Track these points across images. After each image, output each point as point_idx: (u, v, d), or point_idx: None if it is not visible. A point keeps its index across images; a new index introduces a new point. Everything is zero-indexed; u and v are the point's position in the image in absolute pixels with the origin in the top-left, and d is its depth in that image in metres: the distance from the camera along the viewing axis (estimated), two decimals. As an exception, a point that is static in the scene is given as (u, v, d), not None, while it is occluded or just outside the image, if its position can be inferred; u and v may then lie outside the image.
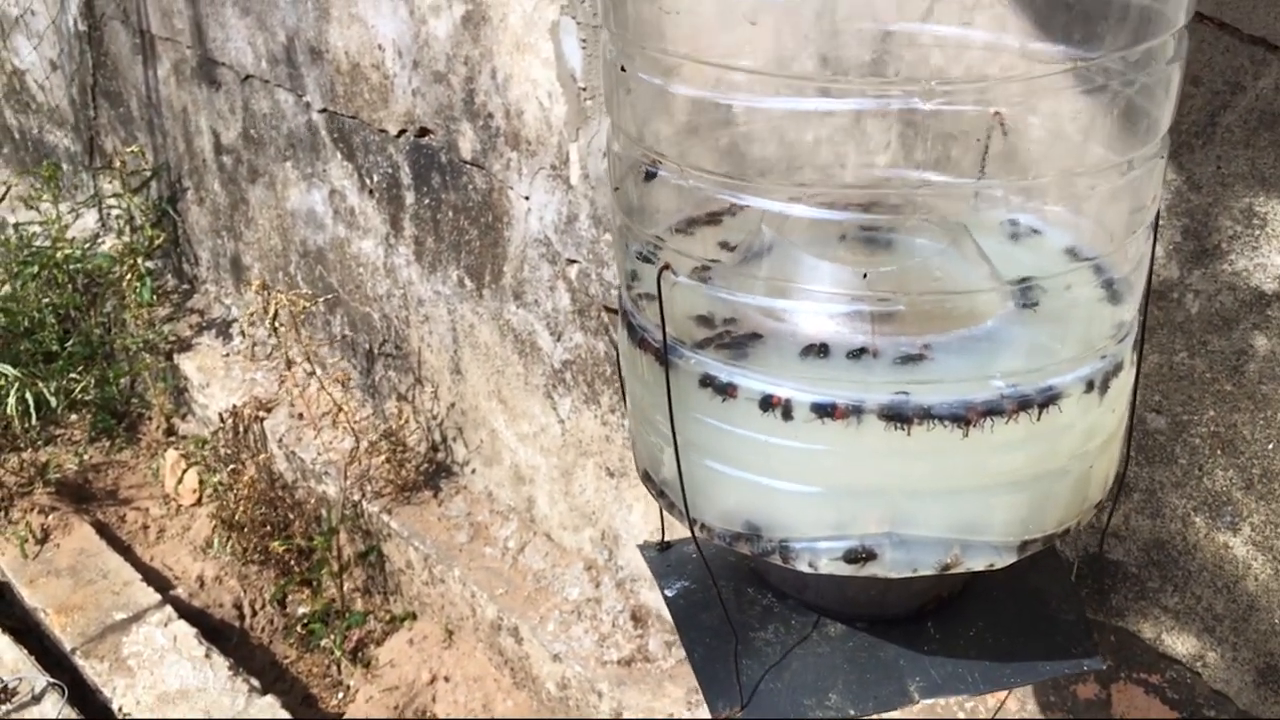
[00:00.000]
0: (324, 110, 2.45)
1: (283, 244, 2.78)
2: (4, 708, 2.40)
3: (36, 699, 2.40)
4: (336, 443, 2.58)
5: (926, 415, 0.71)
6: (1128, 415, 0.86)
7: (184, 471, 2.80)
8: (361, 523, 2.50)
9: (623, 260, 0.89)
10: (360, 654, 2.45)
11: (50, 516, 2.78)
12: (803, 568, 0.77)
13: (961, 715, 1.66)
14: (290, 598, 2.61)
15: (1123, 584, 1.41)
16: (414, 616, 2.45)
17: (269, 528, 2.57)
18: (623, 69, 0.84)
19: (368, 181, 2.41)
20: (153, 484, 2.99)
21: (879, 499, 0.75)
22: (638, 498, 2.06)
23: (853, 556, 0.76)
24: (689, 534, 0.85)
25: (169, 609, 2.49)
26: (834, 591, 0.86)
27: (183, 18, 2.79)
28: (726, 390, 0.76)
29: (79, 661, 2.41)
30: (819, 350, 0.76)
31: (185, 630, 2.42)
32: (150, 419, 3.11)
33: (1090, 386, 0.75)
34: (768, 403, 0.74)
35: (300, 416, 2.71)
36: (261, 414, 2.72)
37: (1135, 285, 0.81)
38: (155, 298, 3.04)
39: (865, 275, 0.74)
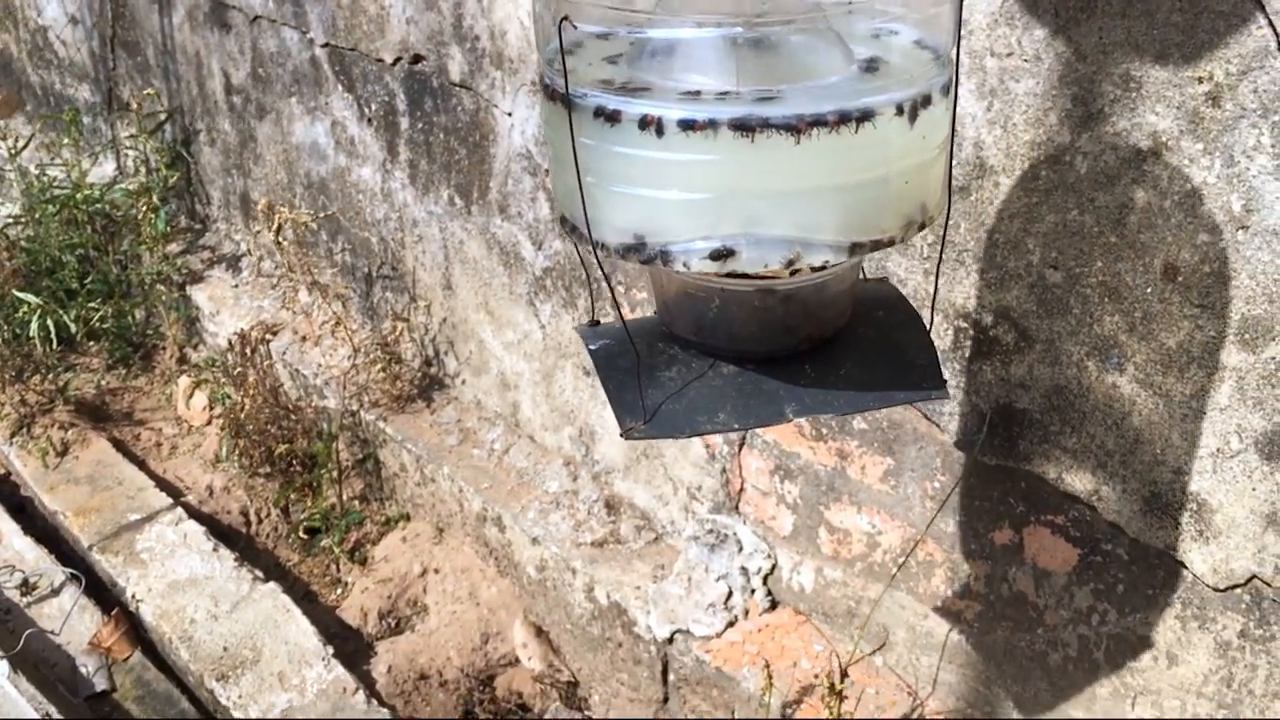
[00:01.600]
0: (326, 45, 2.62)
1: (288, 177, 2.95)
2: (25, 599, 2.58)
3: (56, 591, 2.59)
4: (336, 359, 2.75)
5: (766, 125, 0.87)
6: (945, 155, 1.02)
7: (193, 391, 2.98)
8: (359, 431, 2.67)
9: (542, 47, 1.05)
10: (357, 553, 2.62)
11: (69, 432, 2.96)
12: (679, 268, 0.94)
13: (896, 571, 1.81)
14: (293, 505, 2.79)
15: (1029, 430, 1.56)
16: (407, 518, 2.62)
17: (273, 436, 2.74)
18: None
19: (366, 111, 2.58)
20: (166, 408, 3.17)
21: (735, 203, 0.91)
22: (611, 393, 2.22)
23: (717, 255, 0.92)
24: (593, 254, 1.01)
25: (180, 510, 2.67)
26: (725, 331, 1.02)
27: (196, -36, 2.96)
28: (613, 116, 0.93)
29: (95, 557, 2.59)
30: (693, 94, 0.92)
31: (195, 529, 2.60)
32: (164, 349, 3.29)
33: (900, 110, 0.92)
34: (644, 122, 0.91)
35: (303, 338, 2.88)
36: (268, 336, 2.89)
37: (950, 48, 0.98)
38: (169, 231, 3.22)
39: (733, 50, 0.91)
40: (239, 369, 2.87)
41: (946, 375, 1.61)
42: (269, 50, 2.84)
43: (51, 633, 2.47)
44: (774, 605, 2.00)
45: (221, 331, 3.09)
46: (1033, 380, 1.54)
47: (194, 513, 2.72)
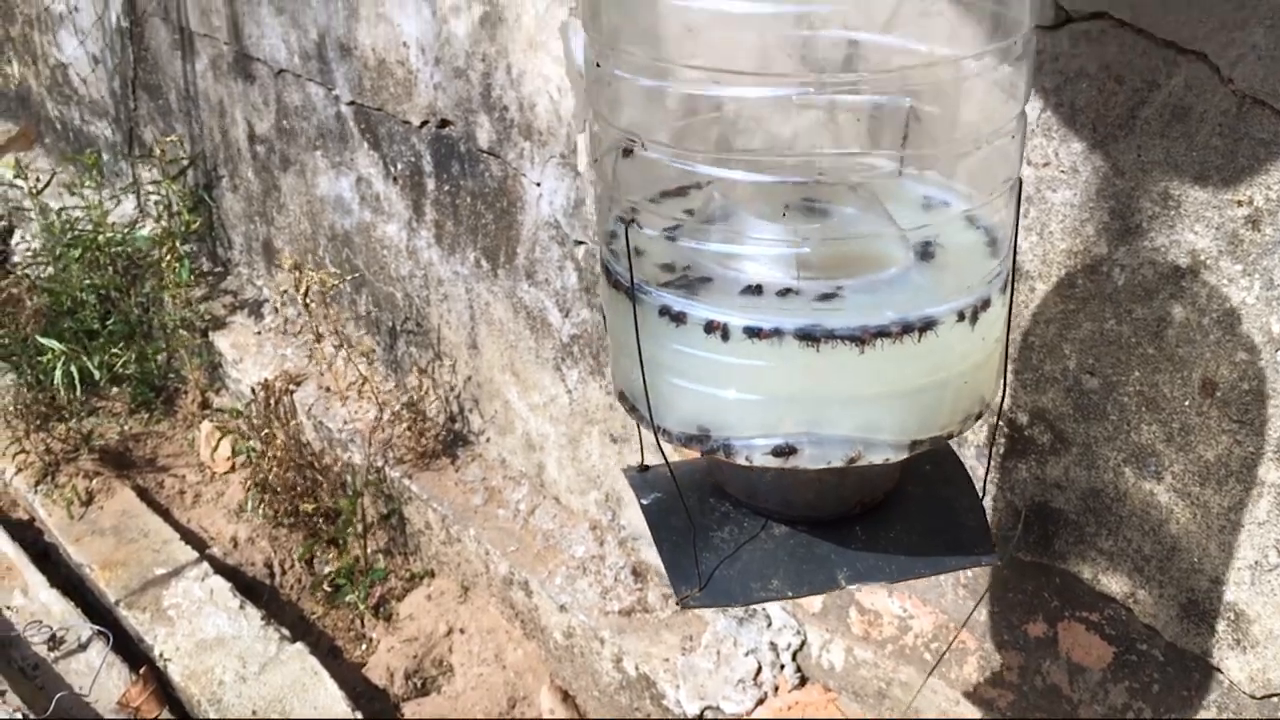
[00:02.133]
0: (352, 103, 2.63)
1: (312, 228, 2.96)
2: (53, 654, 2.60)
3: (83, 646, 2.60)
4: (361, 413, 2.77)
5: (831, 336, 0.89)
6: (1002, 345, 1.03)
7: (218, 440, 2.99)
8: (384, 487, 2.68)
9: (603, 223, 1.06)
10: (382, 608, 2.64)
11: (94, 481, 2.98)
12: (741, 461, 0.95)
13: (928, 655, 1.82)
14: (317, 558, 2.80)
15: (1065, 530, 1.57)
16: (432, 574, 2.64)
17: (298, 491, 2.75)
18: (598, 64, 1.01)
19: (392, 169, 2.59)
20: (189, 453, 3.18)
21: (799, 405, 0.93)
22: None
23: (779, 451, 0.94)
24: (658, 448, 1.02)
25: (205, 565, 2.68)
26: (778, 496, 1.03)
27: (220, 15, 2.97)
28: (679, 317, 0.94)
29: (122, 612, 2.61)
30: (754, 290, 0.93)
31: (221, 584, 2.62)
32: (186, 393, 3.31)
33: (961, 317, 0.93)
34: (710, 326, 0.92)
35: (327, 389, 2.89)
36: (291, 387, 2.90)
37: (1008, 240, 0.99)
38: (192, 278, 3.24)
39: (785, 212, 0.92)
40: (262, 420, 2.89)
41: (976, 465, 1.62)
42: (293, 104, 2.85)
43: (81, 690, 2.49)
44: (803, 681, 2.01)
45: (244, 379, 3.10)
46: (1069, 482, 1.54)
47: (219, 566, 2.74)
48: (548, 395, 2.40)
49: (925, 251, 0.95)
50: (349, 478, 2.75)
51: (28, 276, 3.81)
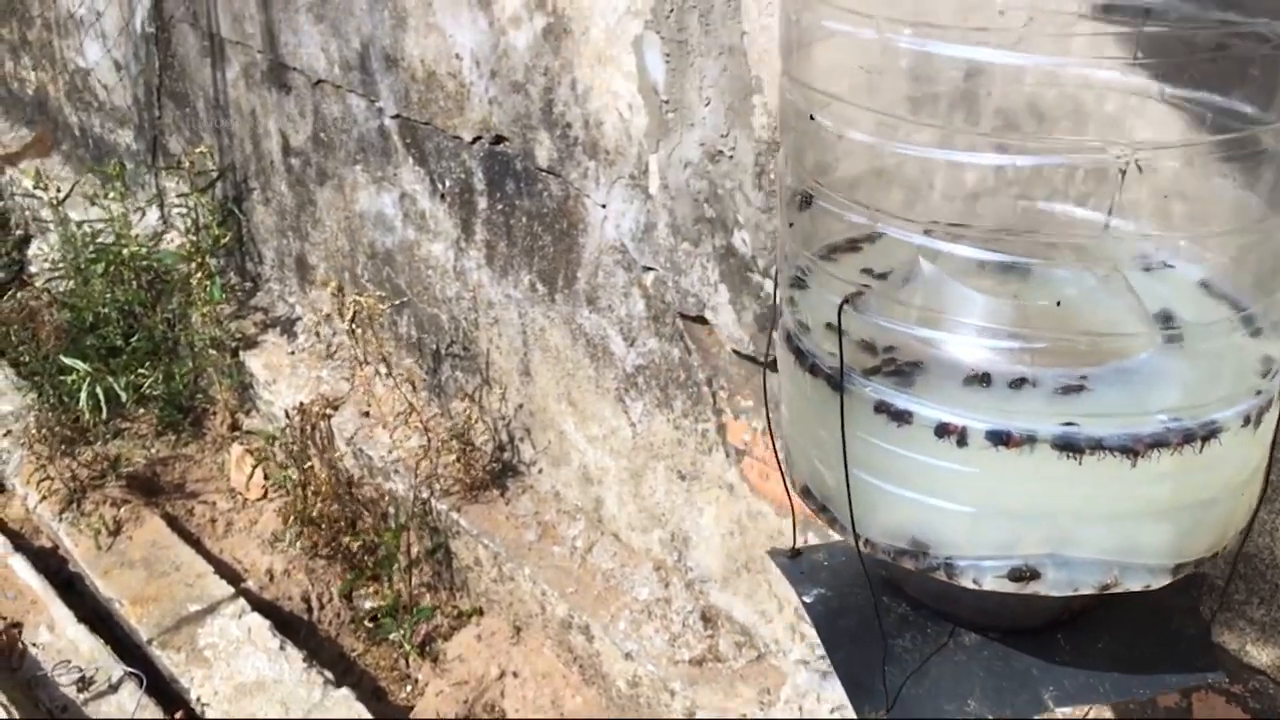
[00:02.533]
0: (397, 116, 2.50)
1: (350, 245, 2.83)
2: (82, 696, 2.47)
3: (114, 688, 2.47)
4: (404, 441, 2.64)
5: (1098, 446, 0.76)
6: (1270, 447, 0.89)
7: (253, 468, 2.86)
8: (429, 520, 2.55)
9: (785, 285, 0.93)
10: (428, 648, 2.51)
11: (122, 509, 2.85)
12: (966, 584, 0.82)
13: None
14: (356, 592, 2.67)
15: (1208, 596, 1.44)
16: (481, 612, 2.51)
17: (338, 523, 2.63)
18: (812, 117, 0.88)
19: (440, 186, 2.46)
20: (218, 478, 3.05)
21: (1045, 521, 0.79)
22: (710, 501, 2.10)
23: (1017, 575, 0.80)
24: (859, 562, 0.89)
25: (242, 601, 2.55)
26: (971, 602, 0.90)
27: (254, 22, 2.84)
28: (902, 417, 0.81)
29: (155, 652, 2.48)
30: (981, 379, 0.80)
31: (259, 622, 2.49)
32: (215, 414, 3.18)
33: (1246, 421, 0.79)
34: (943, 430, 0.79)
35: (367, 415, 2.76)
36: (329, 411, 2.77)
37: (1277, 318, 0.85)
38: (222, 295, 3.11)
39: (1016, 296, 0.79)
40: (298, 445, 2.76)
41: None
42: (332, 115, 2.72)
43: (112, 737, 2.36)
44: (894, 742, 1.88)
45: (277, 401, 2.97)
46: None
47: (255, 601, 2.61)
48: (608, 427, 2.27)
49: (1167, 326, 0.81)
50: (392, 509, 2.62)
51: (47, 290, 3.68)
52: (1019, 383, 0.80)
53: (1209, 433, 0.77)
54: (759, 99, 1.72)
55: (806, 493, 0.95)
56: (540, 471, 2.50)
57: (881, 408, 0.82)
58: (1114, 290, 0.81)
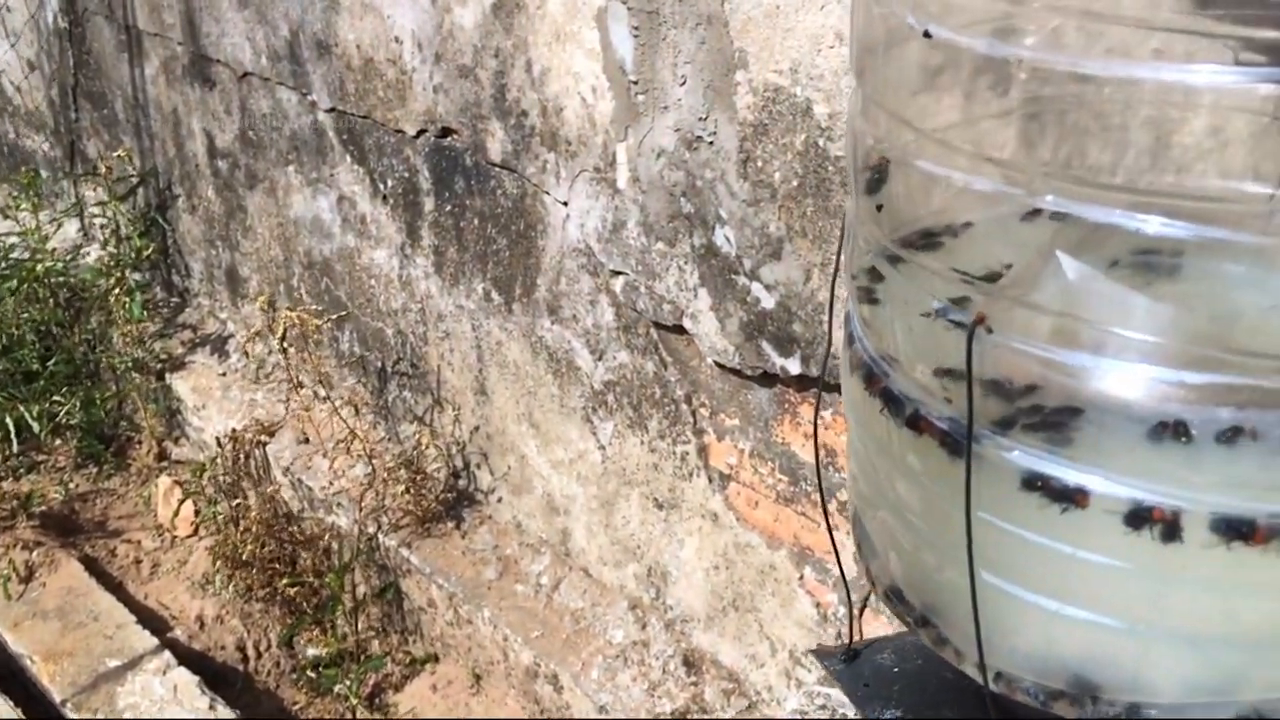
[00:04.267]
0: (331, 110, 2.25)
1: (284, 254, 2.58)
2: (-13, 766, 2.19)
3: (23, 756, 2.20)
4: (348, 470, 2.38)
5: None
6: None
7: (180, 502, 2.59)
8: (377, 557, 2.30)
9: (853, 296, 0.69)
10: (377, 700, 2.25)
11: (35, 552, 2.56)
12: None
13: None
14: (298, 638, 2.41)
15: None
16: (436, 659, 2.26)
17: (275, 564, 2.37)
18: (927, 34, 0.62)
19: (381, 187, 2.22)
20: (144, 513, 2.78)
21: None
22: (691, 532, 1.87)
23: None
24: (985, 693, 0.64)
25: (167, 654, 2.28)
26: None
27: (173, 12, 2.58)
28: (1071, 497, 0.56)
29: (70, 715, 2.20)
30: (1177, 431, 0.55)
31: (186, 678, 2.22)
32: (140, 443, 2.91)
33: None
34: (1141, 517, 0.54)
35: (307, 441, 2.51)
36: (264, 438, 2.52)
37: None
38: (144, 313, 2.83)
39: (1229, 315, 0.55)
40: (231, 477, 2.49)
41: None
42: (261, 112, 2.46)
43: (19, 815, 2.09)
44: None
45: (208, 428, 2.70)
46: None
47: (184, 652, 2.34)
48: (575, 450, 2.03)
49: None
50: (335, 546, 2.36)
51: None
52: (1232, 434, 0.54)
53: None
54: (743, 75, 1.50)
55: (897, 596, 0.71)
56: (500, 500, 2.26)
57: (1036, 483, 0.57)
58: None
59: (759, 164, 1.53)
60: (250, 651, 2.44)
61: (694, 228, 1.65)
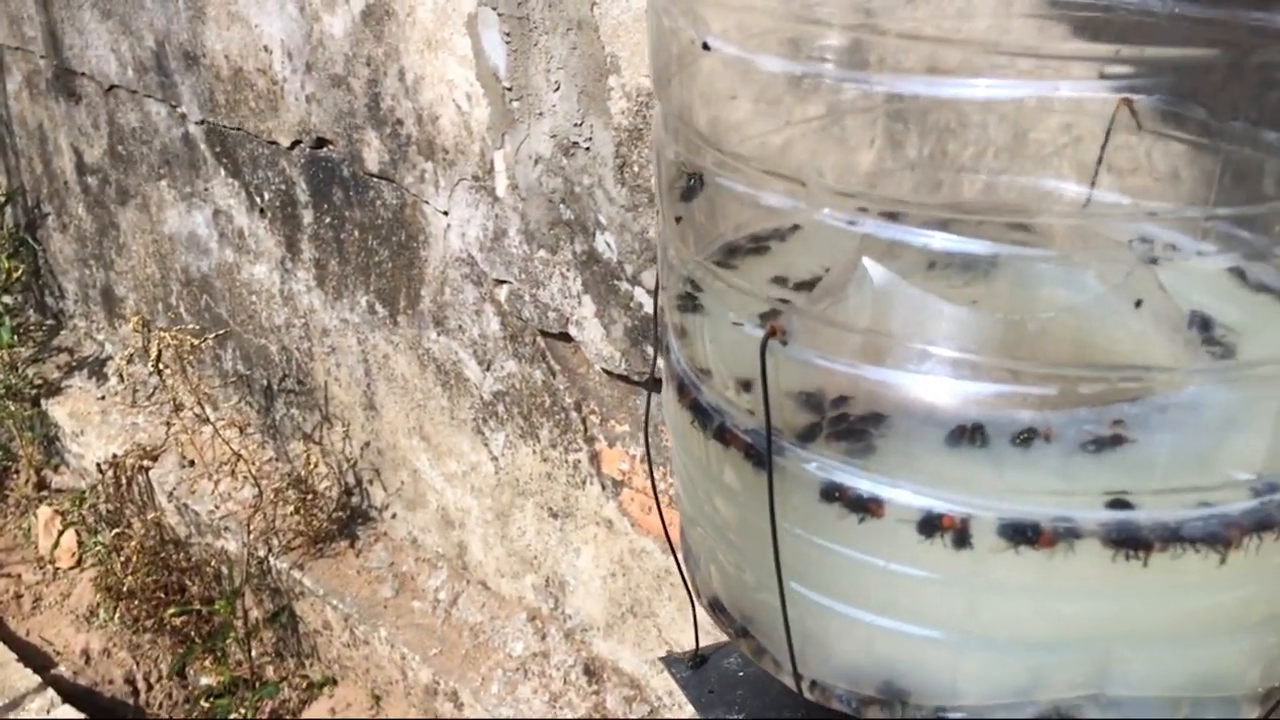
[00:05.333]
0: (202, 122, 2.18)
1: (161, 272, 2.49)
2: None
3: (-104, 810, 2.09)
4: (235, 492, 2.32)
5: (1173, 538, 0.51)
6: None
7: (60, 532, 2.49)
8: (269, 580, 2.24)
9: (671, 308, 0.68)
10: (275, 727, 2.20)
11: (-96, 593, 2.44)
12: None
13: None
14: (191, 668, 2.34)
15: None
16: (334, 682, 2.21)
17: (162, 592, 2.29)
18: (705, 45, 0.62)
19: (258, 200, 2.16)
20: (24, 546, 2.66)
21: (1086, 650, 0.55)
22: (586, 540, 1.86)
23: None
24: (797, 689, 0.64)
25: (51, 693, 2.19)
26: None
27: (34, 24, 2.48)
28: (866, 507, 0.55)
29: (-55, 763, 2.10)
30: (974, 435, 0.55)
31: (71, 716, 2.13)
32: (18, 472, 2.78)
33: None
34: (933, 524, 0.54)
35: (191, 464, 2.43)
36: (146, 463, 2.43)
37: None
38: (15, 338, 2.72)
39: (976, 302, 0.56)
40: (114, 505, 2.41)
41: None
42: (130, 126, 2.38)
43: None
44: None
45: (88, 454, 2.60)
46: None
47: (68, 690, 2.25)
48: (467, 463, 2.00)
49: (1213, 345, 0.58)
50: (225, 571, 2.29)
51: None
52: (1027, 437, 0.54)
53: None
54: (615, 80, 1.49)
55: (718, 608, 0.71)
56: (394, 516, 2.22)
57: (834, 493, 0.56)
58: (1142, 290, 0.58)
59: (635, 169, 1.52)
60: (141, 684, 2.36)
61: (575, 234, 1.64)
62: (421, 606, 2.09)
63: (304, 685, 2.24)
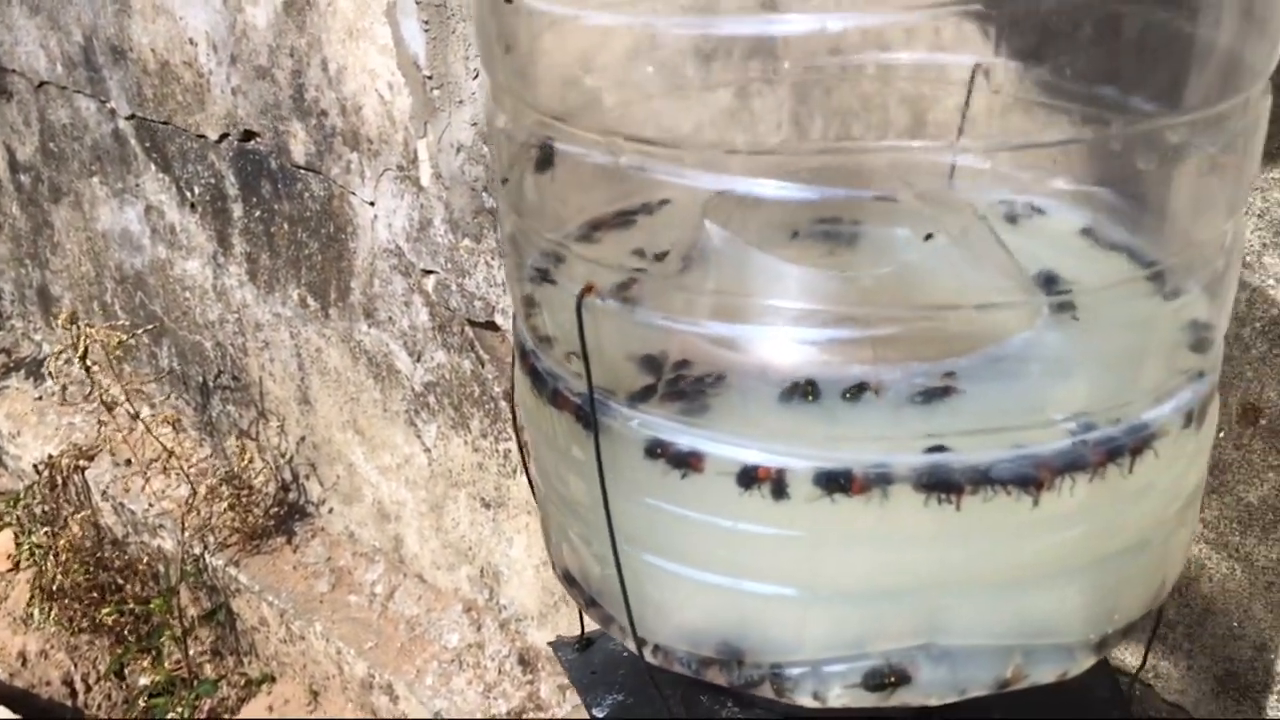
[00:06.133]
0: (132, 117, 2.17)
1: (95, 270, 2.47)
2: None
3: None
4: (170, 490, 2.30)
5: (983, 480, 0.52)
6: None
7: (-5, 534, 2.47)
8: (205, 578, 2.22)
9: (516, 281, 0.69)
10: (214, 725, 2.18)
11: None
12: (805, 700, 0.57)
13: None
14: (130, 667, 2.32)
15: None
16: (272, 679, 2.20)
17: (98, 592, 2.27)
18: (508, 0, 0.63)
19: (188, 194, 2.14)
20: (-40, 550, 2.63)
21: (911, 600, 0.55)
22: (519, 529, 1.86)
23: (876, 681, 0.56)
24: (639, 655, 0.65)
25: (-17, 696, 2.17)
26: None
27: (-40, 19, 2.45)
28: (687, 462, 0.56)
29: (-125, 768, 2.07)
30: (805, 390, 0.55)
31: (8, 718, 2.11)
32: (-46, 476, 2.75)
33: (1189, 419, 0.58)
34: (750, 476, 0.54)
35: (128, 463, 2.41)
36: (83, 463, 2.41)
37: (1208, 273, 0.64)
38: (-50, 339, 2.69)
39: (845, 269, 0.57)
40: (48, 505, 2.38)
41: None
42: (61, 122, 2.36)
43: None
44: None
45: (25, 455, 2.58)
46: (1069, 536, 1.26)
47: (4, 693, 2.23)
48: (401, 455, 2.00)
49: (1055, 291, 0.59)
50: (162, 569, 2.27)
51: None
52: (856, 391, 0.55)
53: (1141, 441, 0.55)
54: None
55: (570, 580, 0.71)
56: (331, 511, 2.21)
57: (656, 450, 0.56)
58: (976, 247, 0.59)
59: (554, 155, 1.52)
60: (79, 685, 2.33)
61: (498, 223, 1.64)
62: (358, 600, 2.08)
63: (242, 683, 2.22)
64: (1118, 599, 0.60)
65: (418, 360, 1.88)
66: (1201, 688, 1.22)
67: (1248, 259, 1.05)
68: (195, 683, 2.20)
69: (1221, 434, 1.12)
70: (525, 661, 1.91)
